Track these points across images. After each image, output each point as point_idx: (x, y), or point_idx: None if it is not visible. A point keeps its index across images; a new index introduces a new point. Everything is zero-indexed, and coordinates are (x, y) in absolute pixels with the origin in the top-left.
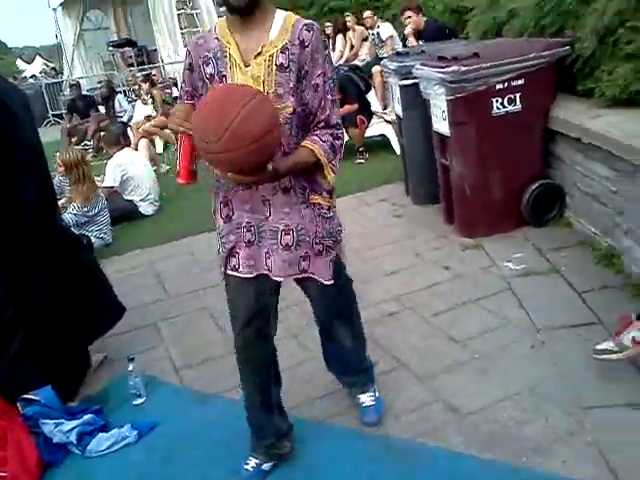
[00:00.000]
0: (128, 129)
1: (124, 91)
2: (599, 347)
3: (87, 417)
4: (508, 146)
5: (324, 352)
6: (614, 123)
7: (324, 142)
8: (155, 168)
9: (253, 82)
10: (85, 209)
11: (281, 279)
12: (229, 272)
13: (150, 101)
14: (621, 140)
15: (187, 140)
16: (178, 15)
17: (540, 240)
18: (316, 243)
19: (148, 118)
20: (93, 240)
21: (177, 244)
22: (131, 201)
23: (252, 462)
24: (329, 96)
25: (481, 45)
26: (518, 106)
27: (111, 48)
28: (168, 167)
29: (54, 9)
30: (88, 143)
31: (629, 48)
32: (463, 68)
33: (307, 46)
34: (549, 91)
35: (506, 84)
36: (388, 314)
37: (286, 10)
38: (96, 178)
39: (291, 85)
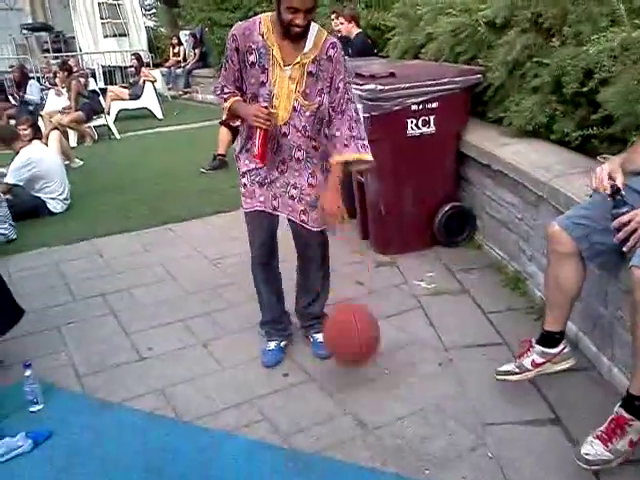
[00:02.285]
0: (39, 119)
1: (37, 78)
2: (501, 369)
3: None
4: (422, 167)
5: (297, 294)
6: (521, 153)
7: (353, 137)
8: (67, 162)
9: (289, 80)
10: None
11: (283, 215)
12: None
13: (65, 91)
14: (527, 170)
15: (263, 130)
16: (99, 4)
17: (451, 260)
18: (317, 199)
19: (64, 110)
20: None
21: (86, 245)
22: (38, 197)
23: (272, 344)
24: (347, 95)
25: (399, 65)
26: (432, 128)
27: (25, 31)
28: (81, 162)
29: None
30: None
31: (535, 81)
32: (380, 87)
33: (332, 59)
34: (461, 116)
35: (421, 106)
36: (300, 327)
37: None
38: (0, 169)
39: (318, 87)
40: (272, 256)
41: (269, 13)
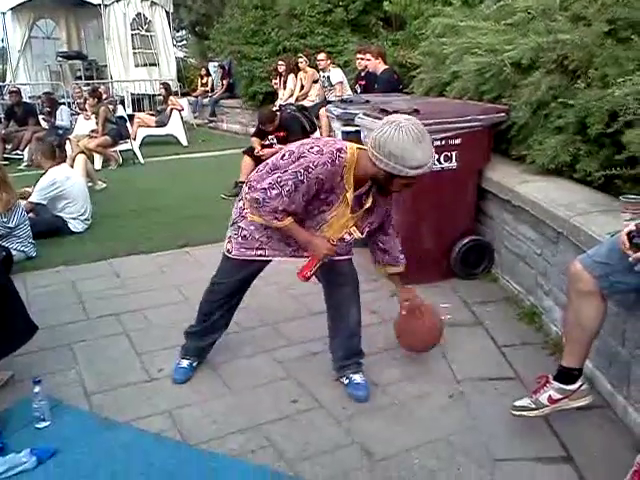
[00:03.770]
0: (67, 142)
1: (68, 103)
2: (517, 404)
3: None
4: (442, 201)
5: (333, 334)
6: (542, 190)
7: (400, 252)
8: (91, 184)
9: (350, 216)
10: (4, 219)
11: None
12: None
13: (93, 116)
14: (547, 207)
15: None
16: (132, 35)
17: (467, 293)
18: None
19: (91, 134)
20: (14, 253)
21: (103, 264)
22: (60, 217)
23: (185, 362)
24: (391, 217)
25: (423, 102)
26: (454, 163)
27: (60, 58)
28: (105, 185)
29: (3, 13)
30: (20, 153)
31: (559, 122)
32: None
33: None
34: (484, 152)
35: (444, 142)
36: (312, 353)
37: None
38: (26, 189)
39: (368, 221)
40: (243, 291)
41: (355, 151)
